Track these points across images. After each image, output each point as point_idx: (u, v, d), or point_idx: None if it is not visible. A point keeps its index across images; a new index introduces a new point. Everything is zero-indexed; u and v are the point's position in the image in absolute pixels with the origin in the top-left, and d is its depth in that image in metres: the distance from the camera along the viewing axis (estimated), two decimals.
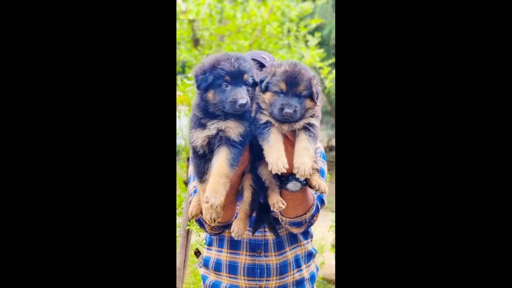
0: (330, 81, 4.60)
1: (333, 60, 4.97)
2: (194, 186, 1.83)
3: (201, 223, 1.87)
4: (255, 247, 1.92)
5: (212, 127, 1.48)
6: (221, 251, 1.98)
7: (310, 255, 2.06)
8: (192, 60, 3.90)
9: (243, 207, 1.65)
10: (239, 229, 1.64)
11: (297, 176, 1.46)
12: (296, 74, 1.49)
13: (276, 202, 1.60)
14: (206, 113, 1.51)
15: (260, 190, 1.65)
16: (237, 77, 1.47)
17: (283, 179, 1.57)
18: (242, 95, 1.44)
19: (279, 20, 4.23)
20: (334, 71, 4.49)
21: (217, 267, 1.97)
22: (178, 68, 4.22)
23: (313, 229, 2.07)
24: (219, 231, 1.88)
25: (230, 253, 1.95)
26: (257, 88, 1.56)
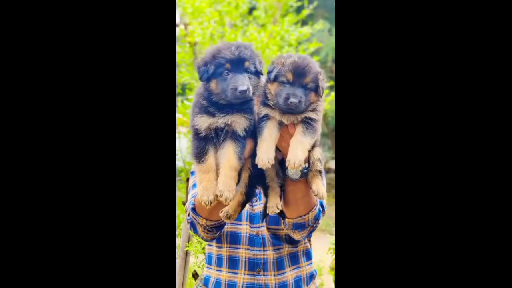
0: (328, 103, 4.68)
1: (331, 83, 5.08)
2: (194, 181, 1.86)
3: (193, 226, 1.86)
4: (254, 266, 1.92)
5: (220, 121, 1.52)
6: (220, 270, 1.98)
7: (311, 277, 2.05)
8: (194, 82, 3.98)
9: (239, 189, 1.63)
10: (228, 210, 1.64)
11: (288, 168, 1.51)
12: (304, 66, 1.53)
13: (272, 206, 1.64)
14: (210, 102, 1.54)
15: (259, 176, 1.66)
16: (237, 64, 1.50)
17: (285, 167, 1.59)
18: (242, 82, 1.47)
19: (279, 44, 4.34)
20: (332, 94, 4.58)
21: (217, 287, 1.96)
22: (179, 90, 4.29)
23: (312, 251, 2.07)
24: (212, 234, 1.87)
25: (229, 272, 1.95)
26: (263, 79, 1.59)
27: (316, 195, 1.61)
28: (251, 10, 4.82)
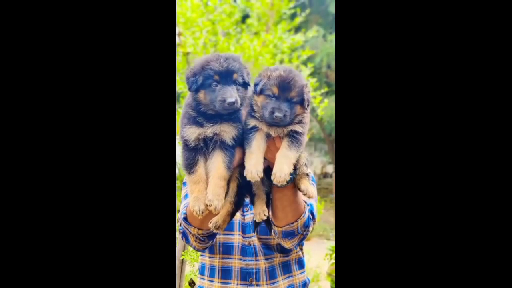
0: (322, 110, 4.70)
1: (325, 89, 5.11)
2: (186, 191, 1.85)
3: (185, 235, 1.87)
4: (247, 276, 1.93)
5: (209, 131, 1.54)
6: (212, 281, 1.98)
7: (304, 285, 2.06)
8: (187, 91, 3.98)
9: (227, 199, 1.65)
10: (217, 220, 1.65)
11: (274, 182, 1.52)
12: (290, 79, 1.54)
13: (259, 212, 1.66)
14: (199, 112, 1.56)
15: (246, 185, 1.68)
16: (226, 76, 1.52)
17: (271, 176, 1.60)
18: (231, 94, 1.49)
19: (272, 52, 4.36)
20: (325, 100, 4.61)
21: None
22: None
23: (308, 257, 2.07)
24: (204, 243, 1.87)
25: (221, 282, 1.95)
26: (250, 90, 1.61)
27: (305, 194, 1.62)
28: (244, 18, 4.86)
